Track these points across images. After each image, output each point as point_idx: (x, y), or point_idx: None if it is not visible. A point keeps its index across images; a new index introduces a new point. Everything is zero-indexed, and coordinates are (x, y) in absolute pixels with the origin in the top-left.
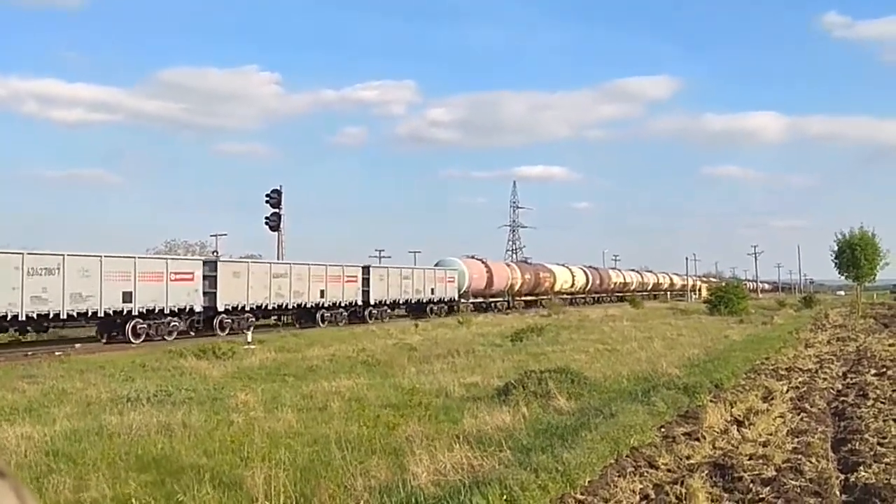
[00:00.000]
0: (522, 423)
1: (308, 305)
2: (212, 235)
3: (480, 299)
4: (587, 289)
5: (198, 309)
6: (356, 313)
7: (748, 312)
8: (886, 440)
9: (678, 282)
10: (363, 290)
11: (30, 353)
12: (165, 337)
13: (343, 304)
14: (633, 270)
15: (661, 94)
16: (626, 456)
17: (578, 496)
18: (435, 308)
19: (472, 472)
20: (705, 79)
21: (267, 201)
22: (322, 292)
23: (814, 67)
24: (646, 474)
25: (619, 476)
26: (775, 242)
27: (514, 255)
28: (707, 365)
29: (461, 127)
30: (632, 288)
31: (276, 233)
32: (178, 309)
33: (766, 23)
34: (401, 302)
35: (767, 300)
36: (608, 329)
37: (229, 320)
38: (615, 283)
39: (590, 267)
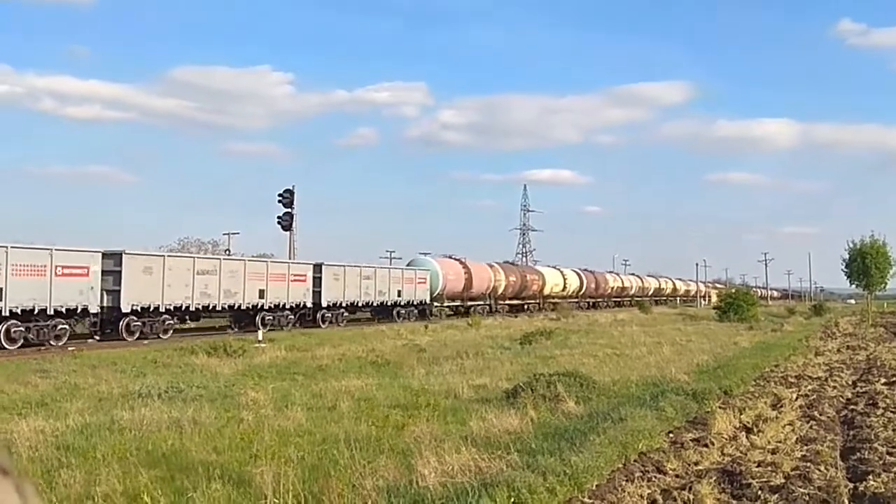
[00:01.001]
0: (530, 426)
1: (243, 307)
2: (224, 234)
3: (458, 303)
4: (581, 293)
5: (93, 310)
6: (306, 316)
7: (758, 319)
8: None
9: (681, 287)
10: (314, 291)
11: (42, 348)
12: (51, 342)
13: (289, 306)
14: (633, 275)
15: (673, 99)
16: (635, 461)
17: (586, 500)
18: (403, 312)
19: (480, 474)
20: (718, 85)
21: (279, 201)
22: (262, 292)
23: (827, 75)
24: (654, 479)
25: (626, 481)
26: (785, 249)
27: (524, 259)
28: (716, 371)
29: (472, 130)
30: (630, 293)
31: (288, 232)
32: (67, 309)
33: (780, 29)
34: (360, 304)
35: (777, 307)
36: (617, 333)
37: (139, 323)
38: (612, 288)
39: (585, 270)
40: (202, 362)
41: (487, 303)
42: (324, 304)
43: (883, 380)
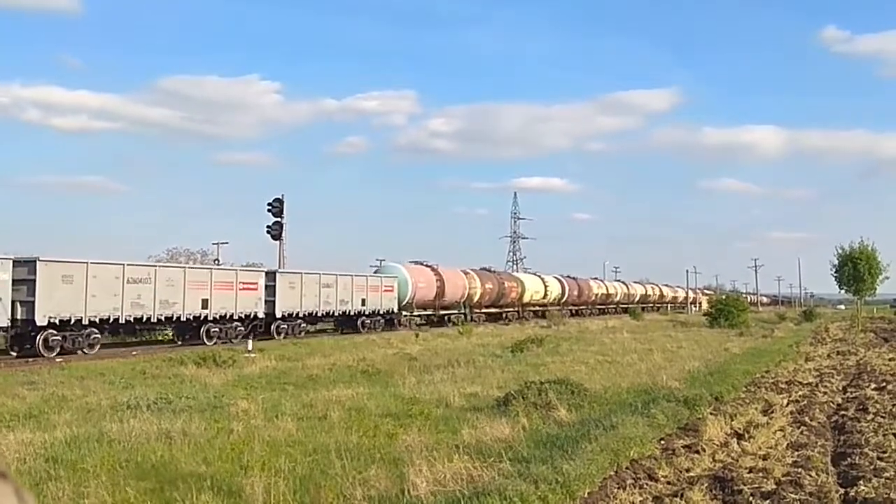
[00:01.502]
0: (522, 434)
1: (184, 318)
2: (214, 244)
3: (429, 312)
4: (563, 300)
5: (1, 324)
6: (258, 328)
7: (748, 325)
8: (886, 454)
9: (668, 293)
10: (267, 300)
11: (30, 360)
12: None
13: (237, 317)
14: (618, 281)
15: (661, 106)
16: (626, 468)
17: None
18: (367, 322)
19: (472, 483)
20: (705, 92)
21: (269, 210)
22: (205, 302)
23: (813, 81)
24: (645, 487)
25: (618, 488)
26: (775, 256)
27: (515, 266)
28: (707, 378)
29: (461, 137)
30: (616, 300)
31: (277, 242)
32: None
33: (765, 37)
34: (320, 314)
35: (767, 313)
36: (608, 341)
37: (59, 338)
38: (597, 295)
39: (567, 276)
40: (191, 373)
41: (462, 311)
42: (278, 314)
43: (873, 385)
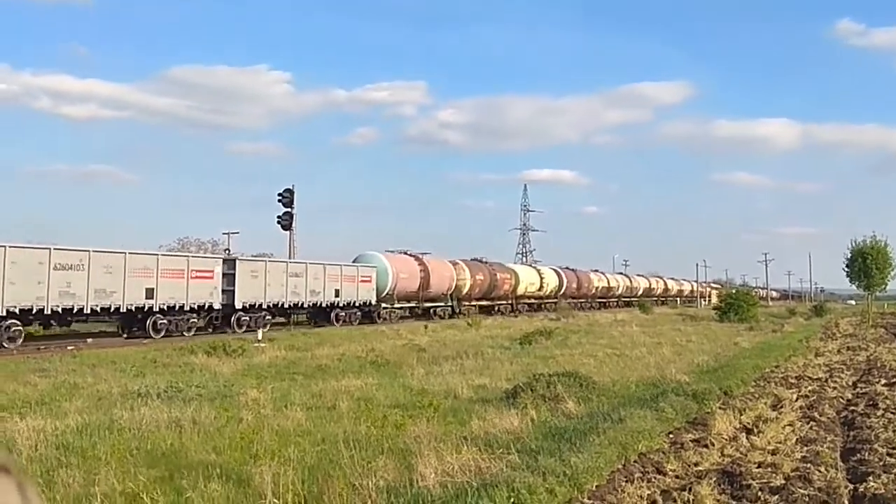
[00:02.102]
0: (530, 426)
1: (124, 309)
2: (224, 233)
3: (413, 304)
4: (560, 293)
5: None
6: (215, 319)
7: (758, 320)
8: None
9: (674, 286)
10: (226, 290)
11: (42, 346)
12: None
13: (189, 308)
14: (620, 274)
15: (672, 99)
16: (634, 461)
17: (586, 500)
18: (342, 314)
19: (480, 474)
20: (717, 85)
21: (279, 200)
22: (150, 291)
23: (827, 75)
24: (654, 480)
25: (626, 481)
26: (785, 250)
27: (524, 259)
28: (716, 372)
29: (471, 129)
30: (618, 293)
31: (288, 232)
32: None
33: (779, 29)
34: (287, 305)
35: (777, 308)
36: (617, 334)
37: None
38: (597, 288)
39: (566, 268)
40: (201, 362)
41: (449, 304)
42: (238, 305)
43: (883, 381)
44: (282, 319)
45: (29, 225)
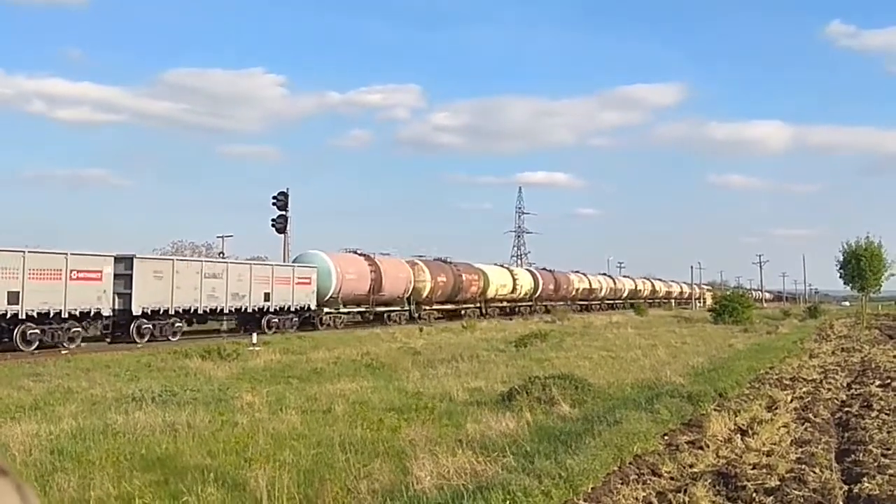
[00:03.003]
0: (526, 429)
1: None
2: (218, 237)
3: (362, 308)
4: (536, 295)
5: None
6: (107, 327)
7: (752, 321)
8: (890, 451)
9: (662, 288)
10: (122, 294)
11: (36, 351)
12: None
13: (70, 314)
14: (603, 275)
15: (666, 101)
16: (630, 463)
17: (581, 503)
18: (275, 320)
19: (476, 477)
20: (710, 87)
21: (274, 203)
22: (14, 296)
23: (818, 77)
24: (649, 482)
25: (622, 483)
26: (780, 251)
27: (519, 261)
28: (711, 373)
29: (465, 132)
30: (600, 295)
31: (282, 235)
32: None
33: (771, 31)
34: (204, 310)
35: (772, 310)
36: (612, 336)
37: None
38: (577, 290)
39: (542, 269)
40: (196, 366)
41: (406, 308)
42: (137, 310)
43: (877, 382)
44: (210, 326)
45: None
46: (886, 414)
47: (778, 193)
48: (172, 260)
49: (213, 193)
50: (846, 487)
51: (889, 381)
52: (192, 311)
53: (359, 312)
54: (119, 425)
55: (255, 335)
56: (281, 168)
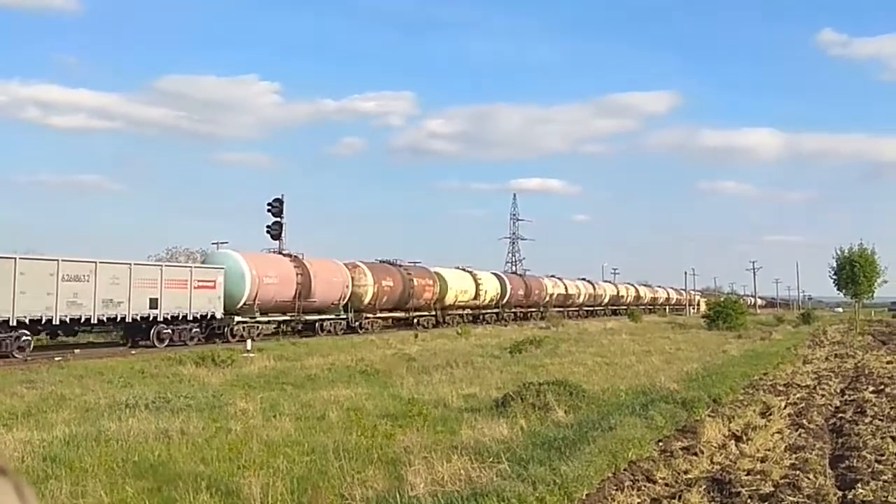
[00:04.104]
0: (521, 435)
1: None
2: (213, 243)
3: (287, 316)
4: (503, 302)
5: None
6: None
7: (746, 328)
8: (884, 457)
9: (647, 294)
10: None
11: (29, 358)
12: None
13: None
14: (583, 279)
15: (659, 108)
16: (624, 470)
17: None
18: (166, 331)
19: (470, 484)
20: (703, 94)
21: (269, 210)
22: None
23: (810, 85)
24: (643, 488)
25: (616, 490)
26: (773, 258)
27: (514, 268)
28: (705, 379)
29: (459, 139)
30: (578, 301)
31: (277, 241)
32: None
33: (763, 39)
34: (60, 320)
35: (766, 316)
36: (606, 342)
37: None
38: (551, 295)
39: (512, 273)
40: (190, 372)
41: (343, 316)
42: None
43: (871, 388)
44: (83, 338)
45: (16, 236)
46: (880, 420)
47: (771, 200)
48: (14, 258)
49: (207, 200)
50: (840, 493)
51: (882, 386)
52: (43, 321)
53: (285, 321)
54: (112, 432)
55: (249, 342)
56: (275, 175)
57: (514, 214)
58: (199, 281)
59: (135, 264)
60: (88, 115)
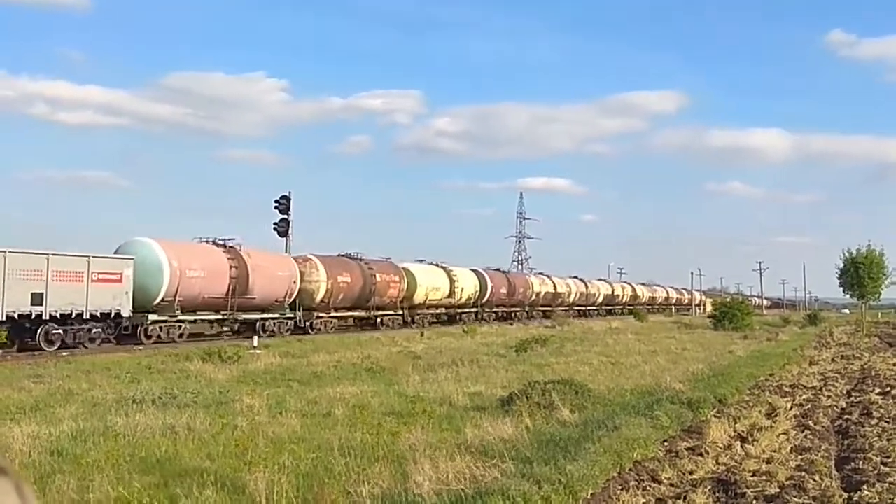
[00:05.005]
0: (525, 434)
1: None
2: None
3: (219, 315)
4: (483, 301)
5: None
6: None
7: (752, 328)
8: (890, 459)
9: (644, 293)
10: None
11: (36, 353)
12: None
13: None
14: (575, 278)
15: (666, 108)
16: (629, 469)
17: None
18: (58, 331)
19: (475, 482)
20: (710, 94)
21: (276, 207)
22: None
23: (818, 85)
24: (649, 488)
25: (621, 489)
26: (780, 259)
27: (520, 267)
28: (711, 380)
29: (466, 137)
30: (568, 301)
31: (284, 239)
32: None
33: (771, 39)
34: None
35: (772, 317)
36: (612, 342)
37: None
38: (537, 294)
39: (494, 269)
40: (197, 368)
41: (290, 315)
42: None
43: (877, 390)
44: None
45: (24, 230)
46: (886, 422)
47: (778, 201)
48: None
49: (215, 197)
50: (846, 495)
51: (889, 388)
52: None
53: (212, 320)
54: (119, 427)
55: (255, 338)
56: (282, 172)
57: (520, 213)
58: (98, 273)
59: (10, 251)
60: (96, 111)
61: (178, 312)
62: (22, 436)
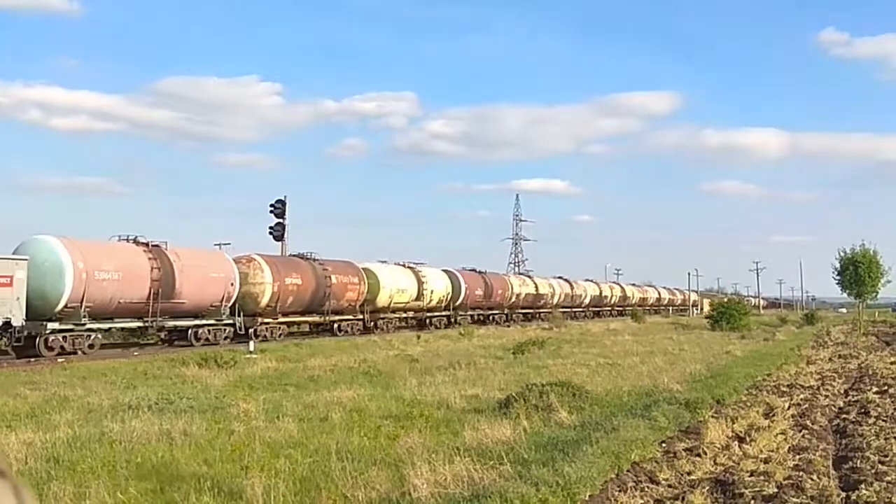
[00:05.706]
0: (523, 436)
1: None
2: (215, 244)
3: (140, 322)
4: (457, 304)
5: None
6: None
7: (750, 328)
8: (888, 458)
9: (635, 294)
10: None
11: (32, 359)
12: None
13: None
14: (560, 278)
15: (661, 109)
16: (627, 471)
17: None
18: None
19: (473, 485)
20: (705, 94)
21: (271, 211)
22: None
23: (812, 84)
24: (647, 490)
25: (619, 491)
26: (776, 258)
27: (517, 268)
28: (708, 380)
29: (461, 139)
30: (552, 303)
31: (280, 243)
32: None
33: (765, 39)
34: None
35: (769, 316)
36: (609, 343)
37: None
38: (518, 296)
39: (471, 270)
40: (193, 374)
41: (230, 322)
42: None
43: (875, 389)
44: None
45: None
46: (884, 421)
47: (774, 200)
48: None
49: (210, 201)
50: (844, 494)
51: (886, 387)
52: None
53: (131, 329)
54: (115, 433)
55: (251, 343)
56: (277, 176)
57: (516, 215)
58: None
59: None
60: (90, 116)
61: (85, 320)
62: (18, 443)
